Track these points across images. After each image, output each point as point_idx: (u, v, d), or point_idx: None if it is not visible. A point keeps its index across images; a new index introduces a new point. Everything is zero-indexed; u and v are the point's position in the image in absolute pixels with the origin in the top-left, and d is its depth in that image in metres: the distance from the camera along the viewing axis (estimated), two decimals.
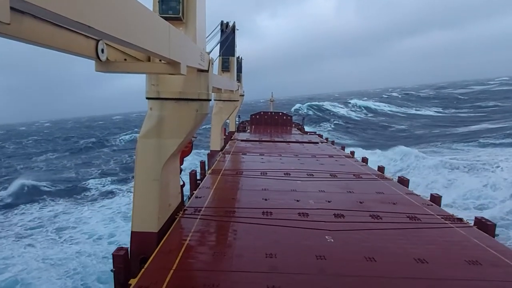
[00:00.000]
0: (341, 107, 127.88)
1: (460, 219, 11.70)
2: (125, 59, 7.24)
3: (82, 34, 5.12)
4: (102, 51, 5.86)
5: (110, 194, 39.19)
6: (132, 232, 9.64)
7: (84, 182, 45.51)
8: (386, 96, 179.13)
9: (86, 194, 40.33)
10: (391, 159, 48.83)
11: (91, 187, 43.25)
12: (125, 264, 8.74)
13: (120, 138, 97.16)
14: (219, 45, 21.08)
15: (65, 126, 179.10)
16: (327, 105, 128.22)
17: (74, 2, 3.17)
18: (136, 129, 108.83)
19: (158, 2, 8.94)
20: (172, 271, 7.82)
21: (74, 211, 32.90)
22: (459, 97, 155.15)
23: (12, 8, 2.52)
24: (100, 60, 5.97)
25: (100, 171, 53.90)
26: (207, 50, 11.34)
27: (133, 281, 7.45)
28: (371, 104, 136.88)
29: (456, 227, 10.98)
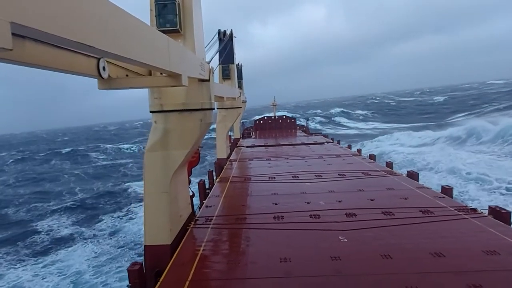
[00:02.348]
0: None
1: (474, 210, 11.53)
2: (127, 75, 7.31)
3: (83, 54, 5.18)
4: (104, 68, 5.92)
5: (67, 241, 27.91)
6: (145, 246, 9.65)
7: (33, 224, 33.52)
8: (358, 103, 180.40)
9: (33, 241, 28.48)
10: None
11: (43, 229, 31.56)
12: (141, 278, 8.73)
13: (98, 156, 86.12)
14: (218, 53, 21.21)
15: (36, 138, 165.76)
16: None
17: (73, 23, 3.21)
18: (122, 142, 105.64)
19: (156, 16, 9.05)
20: (187, 282, 7.80)
21: (6, 272, 22.67)
22: (414, 106, 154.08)
23: (13, 34, 2.56)
24: (102, 78, 6.03)
25: (61, 204, 40.51)
26: (207, 60, 11.41)
27: None
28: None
29: (471, 217, 10.82)
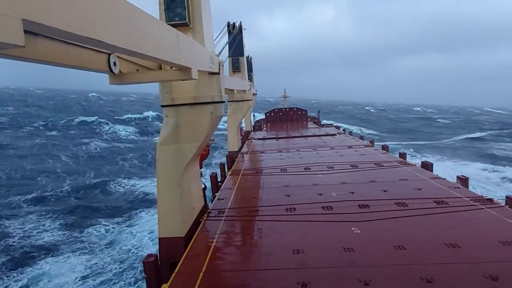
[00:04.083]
0: None
1: (491, 200, 11.31)
2: (137, 70, 7.36)
3: (94, 50, 5.23)
4: (115, 64, 5.98)
5: (48, 252, 22.64)
6: (159, 239, 9.82)
7: (4, 225, 26.68)
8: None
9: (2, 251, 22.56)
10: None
11: (17, 233, 25.25)
12: (156, 270, 8.90)
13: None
14: (227, 46, 21.14)
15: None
16: None
17: (83, 19, 3.24)
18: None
19: (164, 10, 9.05)
20: (202, 273, 7.92)
21: None
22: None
23: (25, 31, 2.60)
24: (113, 73, 6.09)
25: (43, 200, 33.48)
26: (216, 53, 11.39)
27: (164, 286, 7.58)
28: None
29: (487, 208, 10.63)
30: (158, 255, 9.48)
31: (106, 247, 23.98)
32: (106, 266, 21.22)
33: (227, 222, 11.05)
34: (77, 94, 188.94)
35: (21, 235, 25.55)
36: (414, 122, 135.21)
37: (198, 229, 10.56)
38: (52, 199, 34.62)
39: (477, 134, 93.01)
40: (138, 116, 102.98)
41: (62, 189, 37.52)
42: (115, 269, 20.90)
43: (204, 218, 11.43)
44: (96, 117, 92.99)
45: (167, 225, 9.82)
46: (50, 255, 22.62)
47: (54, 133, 76.21)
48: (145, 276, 8.87)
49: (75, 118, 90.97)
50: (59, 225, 27.99)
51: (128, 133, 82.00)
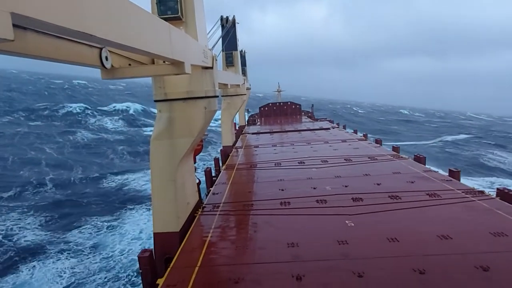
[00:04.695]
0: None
1: (482, 192, 11.49)
2: (130, 64, 7.29)
3: (85, 44, 5.16)
4: (106, 58, 5.91)
5: (30, 256, 21.32)
6: (154, 234, 9.81)
7: None
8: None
9: None
10: None
11: None
12: (151, 265, 8.91)
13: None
14: (221, 40, 21.02)
15: None
16: None
17: (73, 12, 3.19)
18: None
19: (156, 3, 8.95)
20: (197, 268, 7.94)
21: None
22: None
23: (14, 25, 2.55)
24: (105, 68, 6.02)
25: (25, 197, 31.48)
26: (209, 47, 11.32)
27: (160, 281, 7.60)
28: None
29: (478, 200, 10.79)
30: (153, 250, 9.48)
31: (93, 250, 22.31)
32: (93, 275, 19.56)
33: (222, 217, 11.07)
34: (63, 80, 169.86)
35: (1, 233, 23.94)
36: (404, 125, 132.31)
37: (193, 224, 10.57)
38: (35, 194, 32.69)
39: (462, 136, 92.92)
40: (125, 107, 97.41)
41: (46, 183, 35.34)
42: (100, 278, 19.30)
43: (199, 213, 11.44)
44: (83, 106, 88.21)
45: (161, 220, 9.81)
46: (33, 259, 20.97)
47: (38, 122, 71.11)
48: (141, 271, 8.88)
49: (60, 107, 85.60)
50: (43, 223, 26.41)
51: (116, 124, 78.77)
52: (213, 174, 19.03)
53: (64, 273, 19.58)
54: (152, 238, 9.94)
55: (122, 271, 19.92)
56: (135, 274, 19.02)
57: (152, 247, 9.71)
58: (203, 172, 18.32)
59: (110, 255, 21.80)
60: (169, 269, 8.04)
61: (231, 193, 13.73)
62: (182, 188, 10.24)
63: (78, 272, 19.77)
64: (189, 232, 9.99)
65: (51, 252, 21.97)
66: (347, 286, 6.78)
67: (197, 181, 12.43)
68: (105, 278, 19.32)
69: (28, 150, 48.66)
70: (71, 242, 23.46)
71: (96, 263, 20.82)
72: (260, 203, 11.94)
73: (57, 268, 20.14)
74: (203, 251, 8.73)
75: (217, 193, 13.62)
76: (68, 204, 30.50)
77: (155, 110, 10.81)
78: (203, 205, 12.15)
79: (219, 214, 11.26)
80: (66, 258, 21.39)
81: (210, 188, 15.02)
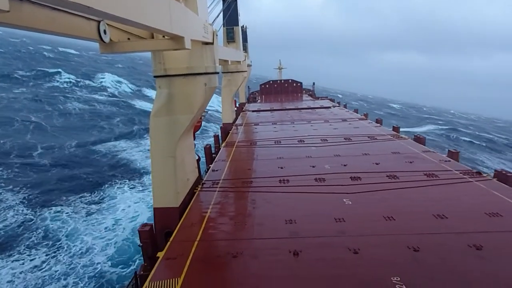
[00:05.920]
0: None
1: (479, 173, 11.57)
2: (128, 38, 7.16)
3: (83, 16, 5.05)
4: (105, 32, 5.79)
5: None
6: (154, 208, 9.96)
7: None
8: None
9: None
10: None
11: None
12: (151, 238, 9.09)
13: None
14: (222, 15, 20.52)
15: None
16: None
17: None
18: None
19: None
20: (196, 242, 8.11)
21: None
22: None
23: None
24: (104, 42, 5.92)
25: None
26: (210, 22, 11.07)
27: (160, 254, 7.78)
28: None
29: (475, 181, 10.88)
30: (153, 224, 9.66)
31: (78, 238, 19.89)
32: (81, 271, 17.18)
33: (221, 193, 11.20)
34: (51, 46, 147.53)
35: None
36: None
37: (193, 200, 10.71)
38: (20, 169, 29.77)
39: None
40: (116, 78, 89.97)
41: (33, 157, 32.43)
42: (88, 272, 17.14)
43: (199, 189, 11.57)
44: (73, 75, 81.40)
45: (161, 195, 9.93)
46: (13, 244, 18.84)
47: (23, 89, 65.35)
48: (141, 244, 9.08)
49: (49, 74, 78.59)
50: (25, 202, 23.80)
51: (108, 94, 73.04)
52: (213, 151, 19.11)
53: (50, 263, 17.73)
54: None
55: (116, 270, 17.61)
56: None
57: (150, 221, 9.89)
58: (203, 149, 18.39)
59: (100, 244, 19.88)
60: (169, 242, 8.21)
61: (231, 170, 13.83)
62: (181, 165, 10.30)
63: (65, 265, 17.81)
64: (188, 208, 10.14)
65: (35, 237, 20.14)
66: (343, 261, 6.95)
67: (197, 157, 12.49)
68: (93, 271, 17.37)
69: (13, 119, 45.56)
70: (56, 228, 21.10)
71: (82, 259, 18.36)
72: (259, 180, 12.05)
73: (39, 256, 18.42)
74: (203, 226, 8.89)
75: (216, 170, 13.72)
76: (54, 180, 28.25)
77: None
78: (203, 182, 12.26)
79: (218, 191, 11.39)
80: (52, 248, 19.20)
81: (210, 165, 15.11)
